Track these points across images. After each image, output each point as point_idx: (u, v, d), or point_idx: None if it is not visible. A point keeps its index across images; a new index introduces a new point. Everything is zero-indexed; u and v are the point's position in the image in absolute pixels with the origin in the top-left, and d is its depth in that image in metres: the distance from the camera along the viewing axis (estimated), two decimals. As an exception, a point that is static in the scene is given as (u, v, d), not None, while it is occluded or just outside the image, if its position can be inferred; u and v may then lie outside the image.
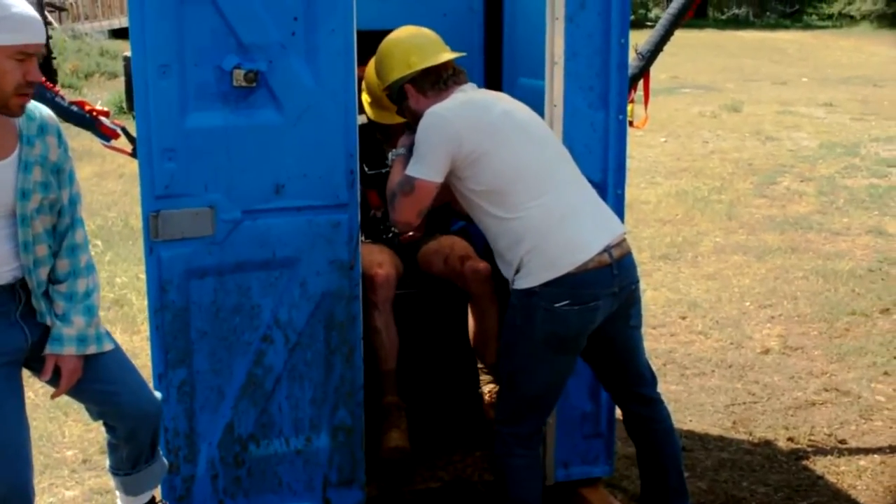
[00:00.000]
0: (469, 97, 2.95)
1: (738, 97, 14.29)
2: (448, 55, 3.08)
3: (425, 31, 3.20)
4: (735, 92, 15.11)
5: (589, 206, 2.87)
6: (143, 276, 6.14)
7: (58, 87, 3.02)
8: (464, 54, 3.16)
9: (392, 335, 3.48)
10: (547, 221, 2.76)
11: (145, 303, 5.45)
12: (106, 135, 3.11)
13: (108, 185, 9.25)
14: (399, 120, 3.45)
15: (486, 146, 2.79)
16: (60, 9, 26.45)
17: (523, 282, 2.79)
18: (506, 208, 2.79)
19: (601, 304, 2.79)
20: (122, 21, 24.54)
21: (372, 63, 3.54)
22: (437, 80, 3.01)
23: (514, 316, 2.85)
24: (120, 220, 7.83)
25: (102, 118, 3.10)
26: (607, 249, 2.77)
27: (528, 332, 2.82)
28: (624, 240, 2.86)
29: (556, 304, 2.74)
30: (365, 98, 3.69)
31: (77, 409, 4.13)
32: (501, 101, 2.98)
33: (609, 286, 2.78)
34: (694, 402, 4.34)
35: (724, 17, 33.44)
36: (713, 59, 20.33)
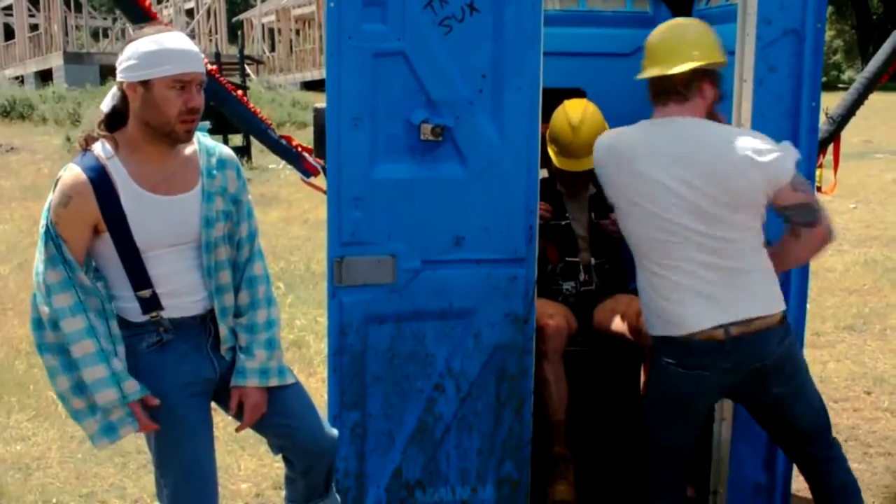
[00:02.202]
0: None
1: (936, 164, 13.59)
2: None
3: None
4: (932, 158, 14.38)
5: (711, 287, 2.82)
6: (321, 320, 6.39)
7: (270, 121, 3.19)
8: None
9: (562, 387, 3.49)
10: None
11: (322, 345, 5.63)
12: (307, 170, 3.26)
13: (293, 230, 9.63)
14: (587, 167, 3.50)
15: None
16: (258, 62, 27.93)
17: (650, 328, 2.93)
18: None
19: (709, 375, 2.81)
20: (313, 74, 25.75)
21: (561, 113, 3.62)
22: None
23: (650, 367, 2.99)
24: (302, 265, 8.13)
25: (306, 154, 3.25)
26: (723, 326, 2.76)
27: (650, 384, 2.95)
28: (755, 319, 2.79)
29: (666, 360, 2.83)
30: (551, 149, 3.73)
31: (253, 444, 4.30)
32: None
33: (719, 361, 2.79)
34: (878, 483, 4.11)
35: (922, 81, 31.95)
36: (910, 123, 19.42)
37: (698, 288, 2.77)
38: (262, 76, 26.55)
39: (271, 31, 31.05)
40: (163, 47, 2.50)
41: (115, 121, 2.58)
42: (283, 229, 9.63)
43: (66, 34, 25.75)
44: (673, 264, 2.79)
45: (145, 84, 2.49)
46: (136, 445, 4.41)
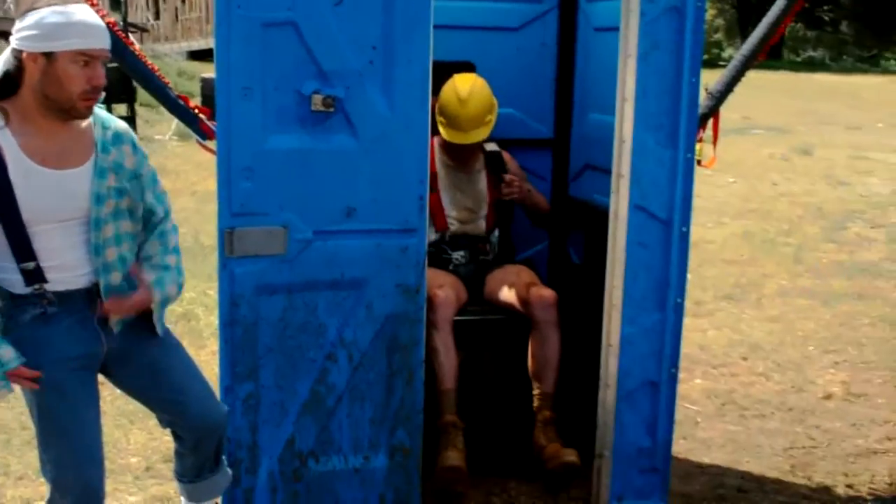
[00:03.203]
0: None
1: (810, 140, 14.13)
2: None
3: None
4: (807, 135, 14.94)
5: None
6: (210, 293, 6.32)
7: (168, 80, 3.14)
8: None
9: (451, 356, 3.55)
10: None
11: (212, 318, 5.57)
12: (204, 132, 3.22)
13: (181, 202, 9.44)
14: (474, 139, 3.60)
15: None
16: (143, 30, 27.11)
17: None
18: None
19: None
20: (200, 43, 25.12)
21: (450, 86, 3.69)
22: None
23: None
24: (190, 237, 7.99)
25: (202, 116, 3.20)
26: None
27: None
28: None
29: None
30: (440, 121, 3.78)
31: (142, 417, 4.25)
32: None
33: None
34: (752, 443, 4.30)
35: (799, 60, 33.12)
36: (786, 101, 20.12)
37: None
38: (146, 45, 25.79)
39: (155, -2, 30.18)
40: (69, 20, 2.44)
41: (5, 88, 2.49)
42: (170, 201, 9.43)
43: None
44: None
45: (48, 56, 2.43)
46: (20, 422, 4.30)
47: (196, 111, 3.22)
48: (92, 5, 2.75)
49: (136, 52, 3.27)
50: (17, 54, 2.46)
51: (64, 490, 2.60)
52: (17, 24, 2.47)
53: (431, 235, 3.84)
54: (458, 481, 3.43)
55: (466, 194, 3.94)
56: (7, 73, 2.48)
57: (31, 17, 2.44)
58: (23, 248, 2.50)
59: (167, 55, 23.45)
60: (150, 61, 3.33)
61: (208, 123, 3.21)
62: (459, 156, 3.90)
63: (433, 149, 3.87)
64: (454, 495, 3.47)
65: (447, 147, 3.89)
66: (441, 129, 3.80)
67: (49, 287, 2.56)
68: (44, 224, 2.51)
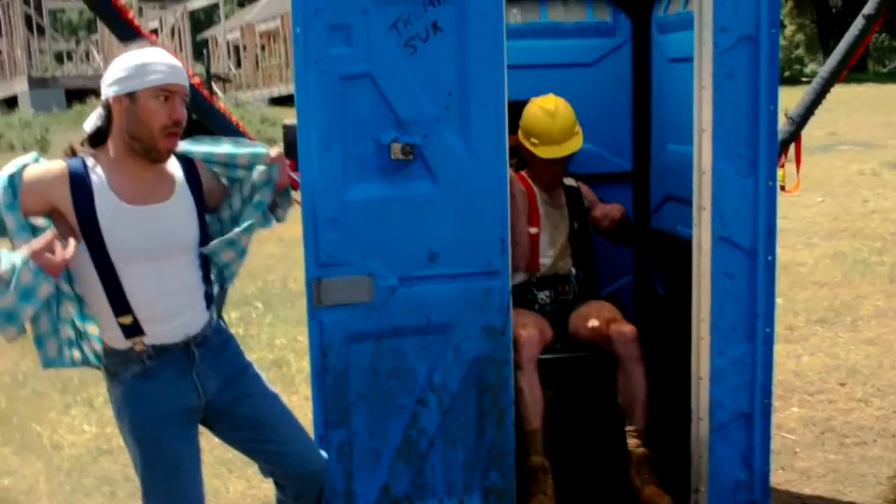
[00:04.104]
0: None
1: (901, 153, 13.78)
2: None
3: None
4: (897, 148, 14.58)
5: None
6: (301, 338, 6.43)
7: (252, 135, 3.24)
8: None
9: (536, 395, 3.54)
10: None
11: (303, 363, 5.64)
12: (290, 184, 3.31)
13: (268, 248, 9.63)
14: (571, 149, 3.81)
15: None
16: (225, 80, 27.89)
17: None
18: None
19: None
20: (280, 90, 25.72)
21: (532, 107, 3.75)
22: None
23: None
24: (279, 283, 8.16)
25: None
26: None
27: None
28: None
29: None
30: (531, 144, 3.84)
31: (241, 466, 4.34)
32: None
33: None
34: (854, 472, 4.19)
35: (885, 71, 32.40)
36: (873, 114, 19.64)
37: None
38: (229, 93, 26.51)
39: (236, 47, 30.97)
40: (148, 60, 2.58)
41: (96, 140, 2.64)
42: (257, 248, 9.62)
43: (30, 58, 25.63)
44: None
45: (131, 96, 2.55)
46: (123, 474, 4.43)
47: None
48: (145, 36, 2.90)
49: (221, 109, 3.39)
50: (105, 103, 2.60)
51: None
52: (104, 77, 2.62)
53: (521, 277, 3.87)
54: None
55: (560, 231, 3.96)
56: (98, 127, 2.63)
57: (114, 65, 2.60)
58: (117, 296, 2.60)
59: (249, 103, 24.06)
60: (234, 116, 3.44)
61: (293, 175, 3.29)
62: (550, 183, 3.91)
63: (531, 189, 3.92)
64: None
65: (542, 175, 3.92)
66: (535, 151, 3.83)
67: (147, 340, 2.66)
68: (133, 263, 2.60)
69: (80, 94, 22.75)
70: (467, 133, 3.01)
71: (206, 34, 32.17)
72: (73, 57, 28.49)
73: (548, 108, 3.80)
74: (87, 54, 28.63)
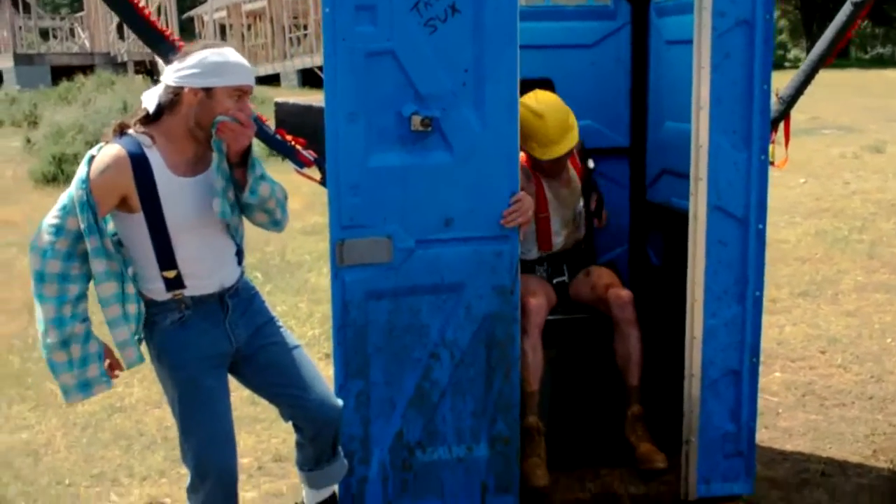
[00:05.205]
0: None
1: (882, 137, 14.04)
2: None
3: None
4: (878, 132, 14.84)
5: None
6: (301, 306, 6.65)
7: (265, 117, 3.44)
8: None
9: (538, 359, 3.76)
10: None
11: (304, 329, 5.85)
12: (301, 161, 3.50)
13: (265, 222, 9.81)
14: (568, 146, 3.87)
15: None
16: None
17: None
18: None
19: None
20: (266, 69, 25.69)
21: (522, 111, 3.87)
22: None
23: None
24: (277, 255, 8.35)
25: (299, 147, 3.49)
26: None
27: None
28: None
29: None
30: (531, 148, 3.93)
31: (249, 423, 4.56)
32: None
33: None
34: (833, 430, 4.45)
35: (867, 57, 32.70)
36: (855, 99, 19.94)
37: None
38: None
39: (223, 27, 30.87)
40: (227, 60, 2.80)
41: (152, 118, 2.85)
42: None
43: (15, 35, 25.54)
44: None
45: (208, 91, 2.77)
46: (137, 429, 4.64)
47: (292, 143, 3.51)
48: (171, 38, 3.10)
49: None
50: (177, 90, 2.80)
51: (204, 473, 2.94)
52: (177, 65, 2.82)
53: (534, 254, 4.07)
54: (544, 497, 3.64)
55: (569, 207, 4.09)
56: (160, 105, 2.83)
57: (193, 59, 2.80)
58: (166, 256, 2.84)
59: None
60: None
61: (304, 153, 3.50)
62: (558, 172, 4.02)
63: (540, 182, 4.02)
64: (551, 483, 3.68)
65: (547, 170, 4.00)
66: (535, 155, 3.91)
67: (186, 293, 2.90)
68: (185, 233, 2.84)
69: (66, 71, 22.73)
70: (481, 108, 3.21)
71: (192, 12, 32.05)
72: (57, 34, 28.37)
73: (536, 110, 3.82)
74: (72, 31, 28.55)
